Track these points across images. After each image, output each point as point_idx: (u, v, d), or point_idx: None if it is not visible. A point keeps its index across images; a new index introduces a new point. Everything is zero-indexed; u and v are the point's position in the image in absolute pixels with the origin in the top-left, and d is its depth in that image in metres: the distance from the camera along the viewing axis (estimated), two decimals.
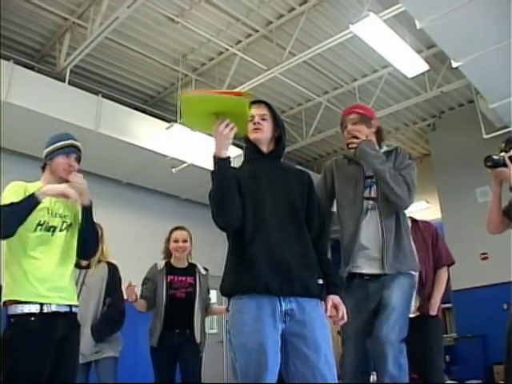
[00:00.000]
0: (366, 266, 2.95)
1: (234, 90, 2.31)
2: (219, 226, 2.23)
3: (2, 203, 2.69)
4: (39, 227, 2.80)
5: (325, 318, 2.26)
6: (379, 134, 3.16)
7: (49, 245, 2.82)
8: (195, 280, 4.37)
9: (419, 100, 9.26)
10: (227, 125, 2.19)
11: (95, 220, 3.01)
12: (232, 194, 2.20)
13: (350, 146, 3.05)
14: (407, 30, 7.13)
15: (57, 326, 2.73)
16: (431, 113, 10.83)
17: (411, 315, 3.56)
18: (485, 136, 8.38)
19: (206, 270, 4.53)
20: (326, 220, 2.52)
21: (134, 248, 8.41)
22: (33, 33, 7.83)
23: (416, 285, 3.04)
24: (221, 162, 2.22)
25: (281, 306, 2.15)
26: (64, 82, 7.50)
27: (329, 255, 2.51)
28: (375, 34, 6.43)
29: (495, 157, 2.89)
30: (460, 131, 9.93)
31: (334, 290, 2.37)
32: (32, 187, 2.85)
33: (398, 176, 2.92)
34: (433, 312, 3.79)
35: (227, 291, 2.27)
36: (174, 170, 8.82)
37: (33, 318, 2.64)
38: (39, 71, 7.75)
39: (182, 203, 10.23)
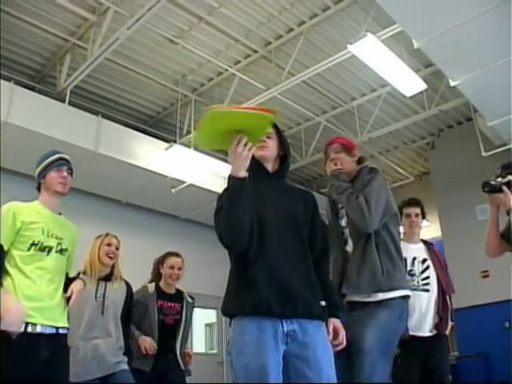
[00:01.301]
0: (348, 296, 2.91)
1: (260, 106, 2.17)
2: (226, 246, 2.19)
3: None
4: (33, 246, 2.80)
5: (327, 340, 2.23)
6: (361, 162, 3.17)
7: (42, 264, 2.82)
8: (182, 307, 4.42)
9: (418, 119, 9.28)
10: (245, 144, 2.12)
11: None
12: (246, 215, 2.16)
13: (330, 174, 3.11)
14: (405, 50, 7.19)
15: (40, 348, 2.70)
16: (430, 131, 10.87)
17: (428, 334, 3.84)
18: (484, 154, 8.42)
19: (192, 298, 4.56)
20: (328, 242, 2.49)
21: (133, 268, 8.35)
22: (33, 54, 7.90)
23: (404, 309, 2.87)
24: (238, 182, 2.14)
25: (283, 327, 2.12)
26: (64, 102, 7.54)
27: (330, 277, 2.49)
28: (373, 53, 6.48)
29: (493, 182, 2.93)
30: (459, 149, 9.95)
31: (335, 313, 2.35)
32: (27, 207, 2.88)
33: (353, 202, 2.85)
34: (447, 331, 3.96)
35: (229, 312, 2.24)
36: (173, 190, 8.82)
37: (14, 337, 2.58)
38: (39, 92, 7.80)
39: (182, 223, 10.21)
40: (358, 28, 7.06)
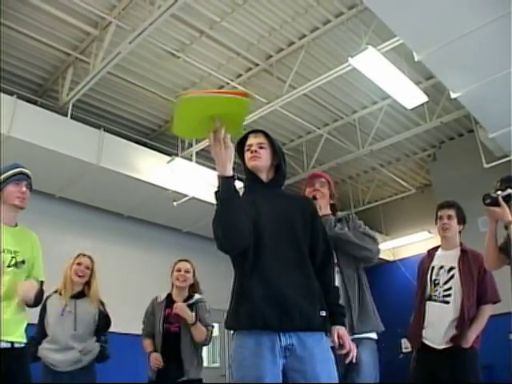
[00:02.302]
0: None
1: (233, 91, 2.13)
2: (225, 249, 2.15)
3: None
4: None
5: (329, 352, 2.18)
6: (334, 206, 3.32)
7: None
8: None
9: (419, 131, 9.27)
10: (223, 138, 2.08)
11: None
12: (238, 214, 2.11)
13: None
14: (405, 62, 7.21)
15: None
16: (431, 143, 10.88)
17: (442, 346, 3.59)
18: (485, 165, 8.41)
19: (202, 302, 4.39)
20: (331, 248, 2.45)
21: (136, 281, 8.38)
22: (36, 68, 7.94)
23: (376, 351, 2.98)
24: (226, 181, 2.13)
25: (280, 341, 2.10)
26: (66, 116, 7.56)
27: (336, 283, 2.46)
28: (374, 66, 6.51)
29: (493, 195, 2.94)
30: (460, 161, 9.95)
31: (339, 320, 2.31)
32: None
33: (358, 233, 3.06)
34: (466, 344, 3.57)
35: (229, 326, 2.24)
36: (175, 203, 8.82)
37: None
38: (42, 106, 7.83)
39: (184, 236, 10.20)
40: (358, 41, 7.09)
